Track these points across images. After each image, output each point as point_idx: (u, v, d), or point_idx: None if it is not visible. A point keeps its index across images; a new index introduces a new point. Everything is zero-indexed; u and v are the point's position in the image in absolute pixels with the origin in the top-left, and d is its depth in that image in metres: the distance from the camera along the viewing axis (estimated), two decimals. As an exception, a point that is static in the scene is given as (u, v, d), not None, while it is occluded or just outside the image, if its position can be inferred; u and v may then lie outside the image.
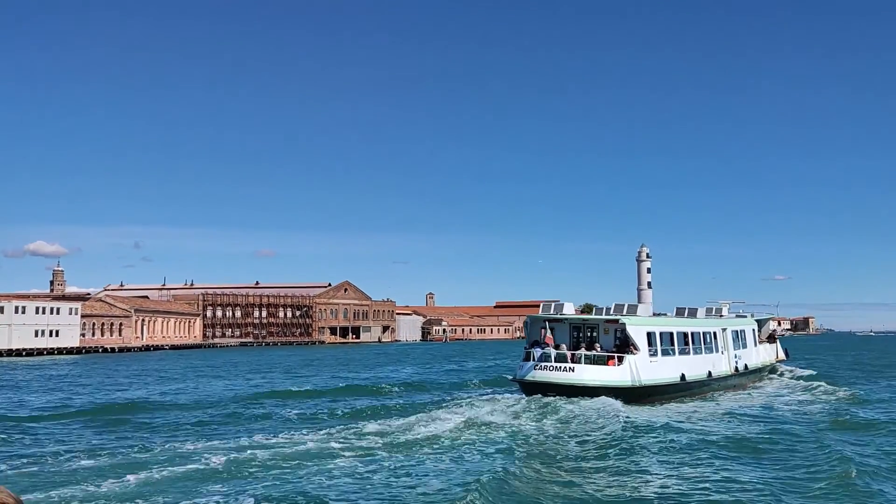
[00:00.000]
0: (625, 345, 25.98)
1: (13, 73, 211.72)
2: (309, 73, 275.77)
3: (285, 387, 33.81)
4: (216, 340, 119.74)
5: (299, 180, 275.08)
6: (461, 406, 24.06)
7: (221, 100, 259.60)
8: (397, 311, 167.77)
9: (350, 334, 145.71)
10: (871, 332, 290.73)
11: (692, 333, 29.11)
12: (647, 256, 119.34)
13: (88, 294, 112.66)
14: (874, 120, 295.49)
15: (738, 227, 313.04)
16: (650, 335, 26.51)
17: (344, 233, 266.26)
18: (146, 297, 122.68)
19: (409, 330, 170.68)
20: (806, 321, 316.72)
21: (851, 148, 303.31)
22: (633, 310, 27.89)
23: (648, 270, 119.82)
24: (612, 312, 28.17)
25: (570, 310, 28.65)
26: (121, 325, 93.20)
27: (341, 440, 16.81)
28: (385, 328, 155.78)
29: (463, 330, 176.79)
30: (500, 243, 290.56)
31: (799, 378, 36.43)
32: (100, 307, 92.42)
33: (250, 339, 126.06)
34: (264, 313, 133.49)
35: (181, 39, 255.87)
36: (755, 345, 35.39)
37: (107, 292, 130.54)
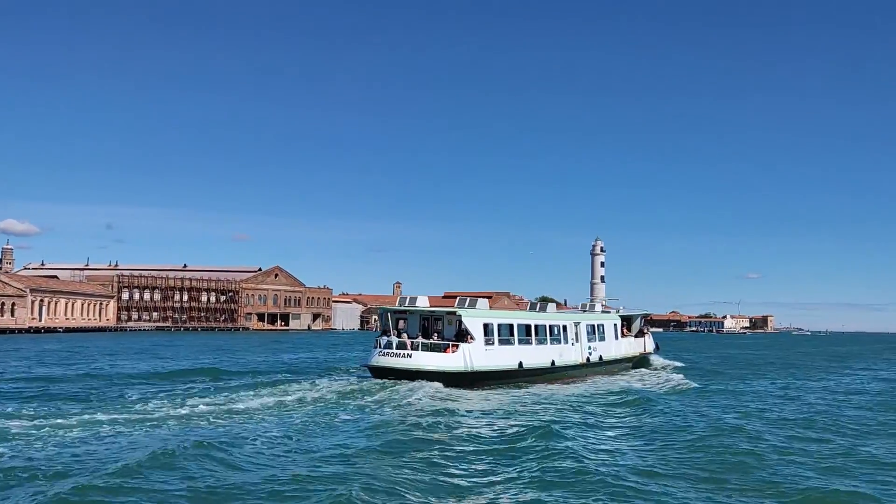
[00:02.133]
0: (463, 334, 29.44)
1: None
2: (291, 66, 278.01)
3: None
4: (129, 324, 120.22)
5: (280, 167, 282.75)
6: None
7: (200, 89, 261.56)
8: (334, 299, 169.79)
9: (279, 321, 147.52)
10: (809, 331, 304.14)
11: (536, 326, 32.56)
12: (602, 250, 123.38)
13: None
14: (857, 123, 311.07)
15: (717, 225, 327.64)
16: (487, 326, 29.85)
17: (323, 219, 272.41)
18: (55, 276, 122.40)
19: (346, 318, 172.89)
20: (765, 319, 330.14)
21: (834, 151, 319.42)
22: (472, 304, 31.27)
23: (602, 264, 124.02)
24: (456, 306, 31.57)
25: (423, 303, 31.89)
26: (13, 305, 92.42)
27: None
28: (317, 316, 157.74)
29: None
30: (476, 234, 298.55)
31: (657, 369, 40.75)
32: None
33: (168, 324, 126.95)
34: (186, 297, 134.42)
35: (164, 26, 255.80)
36: (616, 338, 39.18)
37: (27, 272, 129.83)
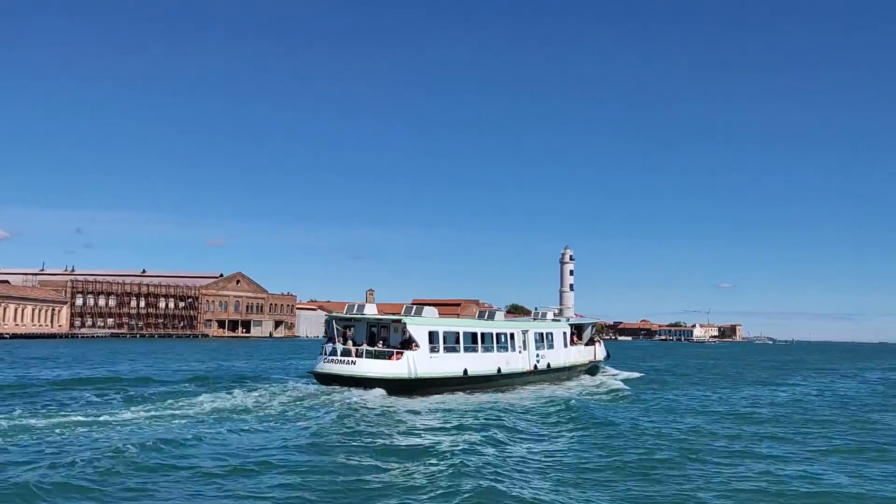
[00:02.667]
0: (408, 342, 30.29)
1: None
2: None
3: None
4: (82, 331, 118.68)
5: (259, 171, 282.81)
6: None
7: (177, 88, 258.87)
8: (299, 306, 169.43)
9: (240, 328, 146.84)
10: (772, 341, 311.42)
11: (482, 333, 33.49)
12: (571, 258, 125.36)
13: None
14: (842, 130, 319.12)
15: (690, 235, 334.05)
16: (432, 333, 30.56)
17: (310, 225, 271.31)
18: (6, 281, 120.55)
19: (310, 325, 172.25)
20: (733, 328, 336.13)
21: (810, 159, 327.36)
22: (419, 311, 32.16)
23: (571, 272, 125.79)
24: (402, 314, 32.41)
25: (371, 310, 32.68)
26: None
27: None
28: (279, 323, 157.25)
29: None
30: (451, 242, 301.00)
31: (603, 377, 41.86)
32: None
33: (124, 331, 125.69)
34: (143, 303, 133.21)
35: (141, 24, 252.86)
36: (564, 346, 40.31)
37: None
